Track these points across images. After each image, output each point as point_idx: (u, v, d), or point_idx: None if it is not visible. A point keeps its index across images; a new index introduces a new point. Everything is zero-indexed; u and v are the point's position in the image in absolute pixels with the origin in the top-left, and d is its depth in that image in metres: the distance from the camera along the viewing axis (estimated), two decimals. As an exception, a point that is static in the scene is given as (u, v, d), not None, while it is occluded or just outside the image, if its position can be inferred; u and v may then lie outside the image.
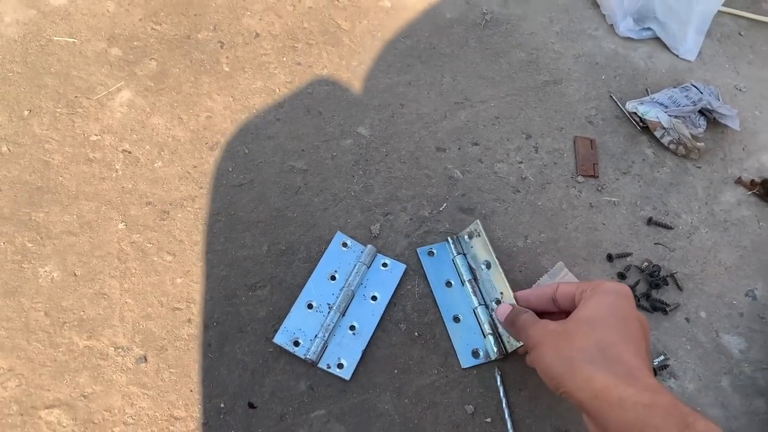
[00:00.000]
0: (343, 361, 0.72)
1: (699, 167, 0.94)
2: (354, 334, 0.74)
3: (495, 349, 0.72)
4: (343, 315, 0.75)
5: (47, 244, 0.76)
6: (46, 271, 0.74)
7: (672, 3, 1.02)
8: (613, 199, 0.89)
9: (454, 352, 0.74)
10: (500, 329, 0.74)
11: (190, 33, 0.96)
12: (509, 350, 0.72)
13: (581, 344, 0.58)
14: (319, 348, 0.71)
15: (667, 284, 0.83)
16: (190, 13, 0.98)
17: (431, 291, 0.78)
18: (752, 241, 0.89)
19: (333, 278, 0.77)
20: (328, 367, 0.71)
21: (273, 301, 0.75)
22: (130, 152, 0.84)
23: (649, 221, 0.87)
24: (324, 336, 0.72)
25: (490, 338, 0.73)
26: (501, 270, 0.75)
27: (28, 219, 0.77)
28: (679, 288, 0.83)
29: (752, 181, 0.93)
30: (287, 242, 0.80)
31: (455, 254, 0.80)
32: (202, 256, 0.78)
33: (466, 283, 0.78)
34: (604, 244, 0.85)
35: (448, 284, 0.79)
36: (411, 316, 0.76)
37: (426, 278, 0.79)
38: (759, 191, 0.92)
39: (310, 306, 0.74)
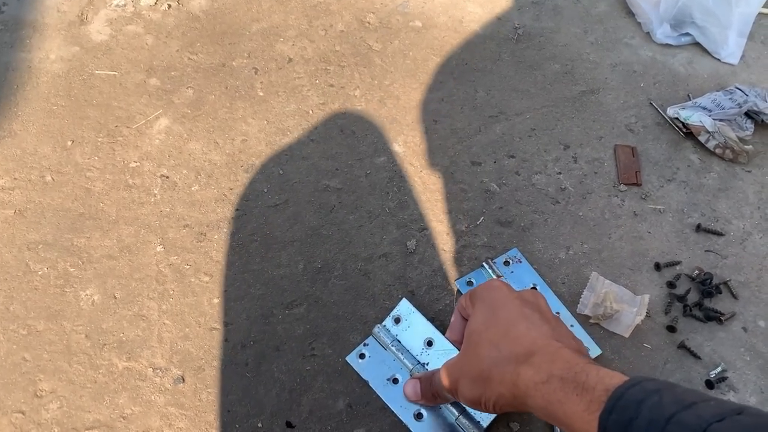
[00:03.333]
0: None
1: (749, 171, 0.90)
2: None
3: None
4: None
5: (88, 268, 0.77)
6: (87, 295, 0.75)
7: (710, 6, 1.00)
8: (659, 207, 0.86)
9: None
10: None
11: (225, 61, 0.98)
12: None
13: (482, 355, 0.55)
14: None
15: (721, 292, 0.79)
16: (225, 42, 1.00)
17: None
18: (811, 245, 0.84)
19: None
20: None
21: (310, 319, 0.75)
22: (167, 177, 0.85)
23: (698, 228, 0.84)
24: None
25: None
26: (551, 291, 0.75)
27: (70, 245, 0.79)
28: (734, 296, 0.79)
29: (808, 183, 0.88)
30: (323, 260, 0.79)
31: (493, 277, 0.77)
32: (239, 276, 0.77)
33: None
34: (650, 252, 0.82)
35: None
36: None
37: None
38: (816, 194, 0.87)
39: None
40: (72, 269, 0.77)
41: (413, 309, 0.71)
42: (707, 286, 0.79)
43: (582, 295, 0.77)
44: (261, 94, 0.94)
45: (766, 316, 0.78)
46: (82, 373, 0.70)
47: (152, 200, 0.83)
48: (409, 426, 0.67)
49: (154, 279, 0.77)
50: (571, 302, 0.77)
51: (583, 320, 0.76)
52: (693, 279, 0.80)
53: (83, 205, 0.82)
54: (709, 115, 0.90)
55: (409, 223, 0.83)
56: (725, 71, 1.01)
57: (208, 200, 0.83)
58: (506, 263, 0.79)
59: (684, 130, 0.92)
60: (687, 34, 1.03)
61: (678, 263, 0.81)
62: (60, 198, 0.82)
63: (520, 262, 0.80)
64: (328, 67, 0.98)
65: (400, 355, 0.69)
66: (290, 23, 1.03)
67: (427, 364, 0.68)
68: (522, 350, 0.53)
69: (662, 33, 1.02)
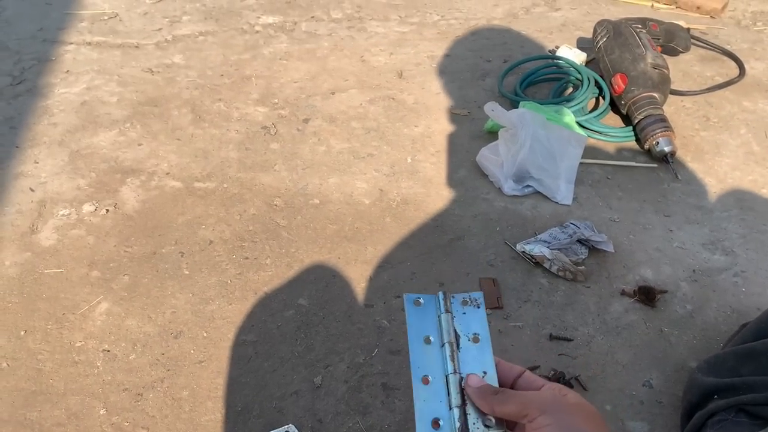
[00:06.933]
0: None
1: (588, 287, 1.12)
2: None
3: (458, 425, 0.60)
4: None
5: (40, 436, 0.90)
6: (38, 460, 0.87)
7: (541, 163, 1.27)
8: (518, 324, 1.05)
9: (414, 416, 0.64)
10: (469, 408, 0.61)
11: (156, 249, 1.18)
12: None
13: None
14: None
15: (572, 387, 0.96)
16: (156, 234, 1.21)
17: (407, 343, 0.69)
18: (642, 340, 1.04)
19: (428, 341, 0.68)
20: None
21: (233, 454, 0.88)
22: (108, 351, 1.01)
23: (551, 337, 1.03)
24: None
25: (456, 412, 0.61)
26: (491, 349, 0.66)
27: (24, 418, 0.92)
28: (584, 388, 0.97)
29: (634, 290, 1.10)
30: (243, 404, 0.94)
31: (442, 311, 0.69)
32: (172, 425, 0.91)
33: (446, 344, 0.67)
34: (514, 362, 0.99)
35: (427, 340, 0.69)
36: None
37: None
38: (640, 298, 1.09)
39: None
40: (25, 439, 0.89)
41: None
42: (561, 382, 0.96)
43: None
44: (187, 272, 1.13)
45: (611, 401, 0.95)
46: None
47: (95, 372, 0.98)
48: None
49: (98, 438, 0.90)
50: (452, 410, 0.93)
51: (463, 423, 0.91)
52: (549, 378, 0.98)
53: (35, 383, 0.96)
54: (548, 246, 1.13)
55: (315, 362, 0.99)
56: (563, 211, 1.27)
57: (143, 366, 0.99)
58: (464, 302, 0.69)
59: (533, 260, 1.15)
60: (528, 186, 1.30)
61: (537, 367, 0.99)
62: (14, 380, 0.96)
63: (478, 307, 0.68)
64: (243, 244, 1.19)
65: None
66: (210, 213, 1.26)
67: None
68: None
69: (509, 187, 1.29)
